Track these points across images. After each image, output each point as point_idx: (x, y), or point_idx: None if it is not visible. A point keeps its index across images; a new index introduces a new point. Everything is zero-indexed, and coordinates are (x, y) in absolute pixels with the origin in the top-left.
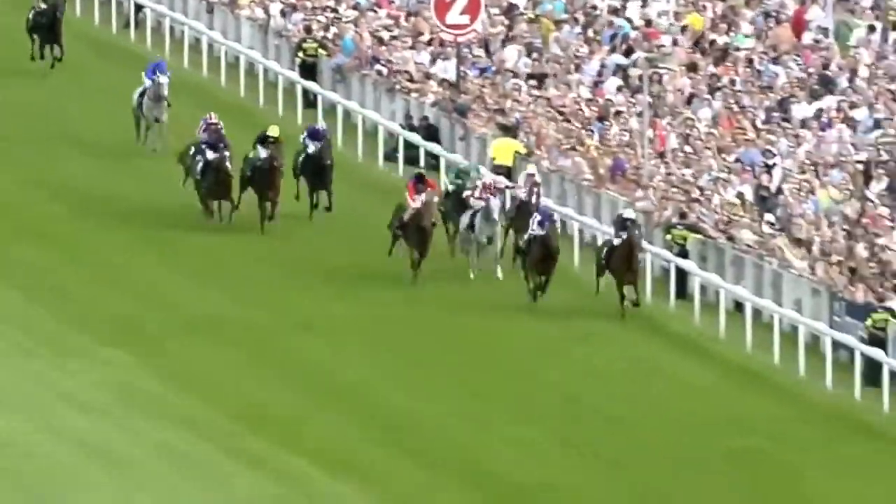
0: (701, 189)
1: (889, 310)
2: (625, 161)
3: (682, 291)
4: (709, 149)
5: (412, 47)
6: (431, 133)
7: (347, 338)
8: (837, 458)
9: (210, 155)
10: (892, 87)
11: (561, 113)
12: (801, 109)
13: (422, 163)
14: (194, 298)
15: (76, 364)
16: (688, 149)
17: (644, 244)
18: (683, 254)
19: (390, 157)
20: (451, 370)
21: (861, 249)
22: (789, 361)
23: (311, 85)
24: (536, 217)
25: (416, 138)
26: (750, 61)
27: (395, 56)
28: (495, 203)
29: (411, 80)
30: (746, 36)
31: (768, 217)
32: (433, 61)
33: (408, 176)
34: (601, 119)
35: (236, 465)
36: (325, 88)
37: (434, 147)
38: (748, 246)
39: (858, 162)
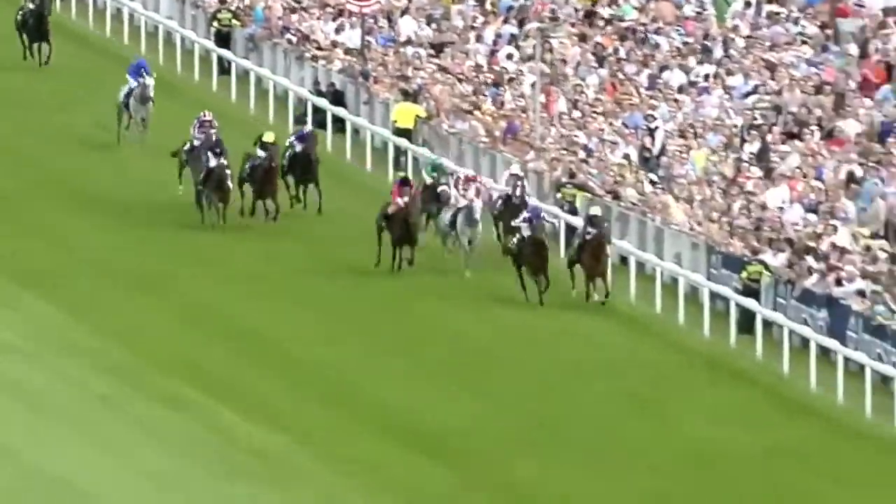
0: (589, 151)
1: (762, 262)
2: (518, 124)
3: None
4: (597, 113)
5: (319, 18)
6: (338, 98)
7: (278, 295)
8: (714, 402)
9: (212, 161)
10: (765, 55)
11: (459, 80)
12: (681, 76)
13: (329, 126)
14: (132, 256)
15: (5, 314)
16: (577, 113)
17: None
18: (573, 211)
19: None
20: (379, 329)
21: (736, 207)
22: (670, 311)
23: (225, 53)
24: (524, 215)
25: (323, 103)
26: (634, 31)
27: (304, 26)
28: (478, 205)
29: (319, 49)
30: (634, 7)
31: (651, 177)
32: (339, 31)
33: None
34: (496, 85)
35: (164, 411)
36: (239, 56)
37: (340, 111)
38: (633, 204)
39: (734, 126)
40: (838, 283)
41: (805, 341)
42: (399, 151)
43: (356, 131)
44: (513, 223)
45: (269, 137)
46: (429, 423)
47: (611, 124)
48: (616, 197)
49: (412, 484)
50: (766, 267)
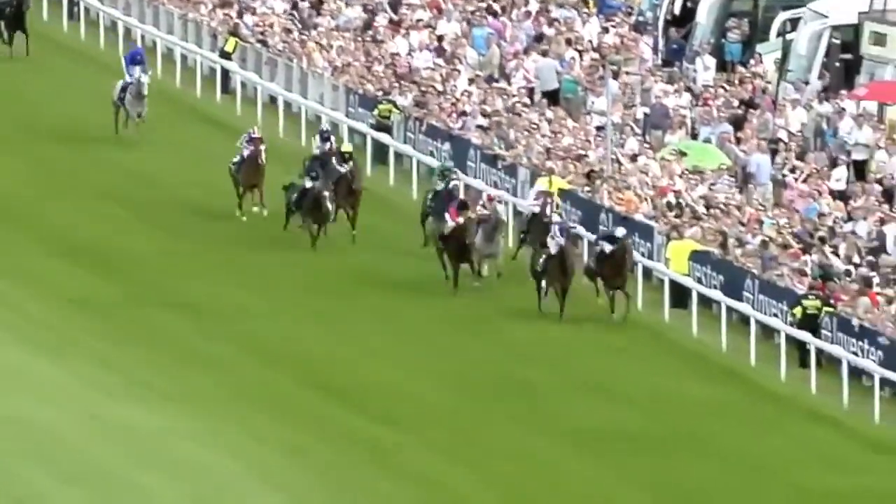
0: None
1: (392, 101)
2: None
3: (225, 87)
4: None
5: None
6: None
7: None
8: None
9: (308, 183)
10: None
11: None
12: None
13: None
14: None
15: None
16: None
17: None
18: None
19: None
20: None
21: (372, 53)
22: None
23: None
24: (553, 232)
25: None
26: None
27: None
28: (500, 222)
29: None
30: None
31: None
32: None
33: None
34: None
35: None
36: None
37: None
38: (279, 50)
39: None
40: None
41: None
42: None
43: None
44: (543, 243)
45: (347, 147)
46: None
47: None
48: (264, 43)
49: None
50: (396, 105)
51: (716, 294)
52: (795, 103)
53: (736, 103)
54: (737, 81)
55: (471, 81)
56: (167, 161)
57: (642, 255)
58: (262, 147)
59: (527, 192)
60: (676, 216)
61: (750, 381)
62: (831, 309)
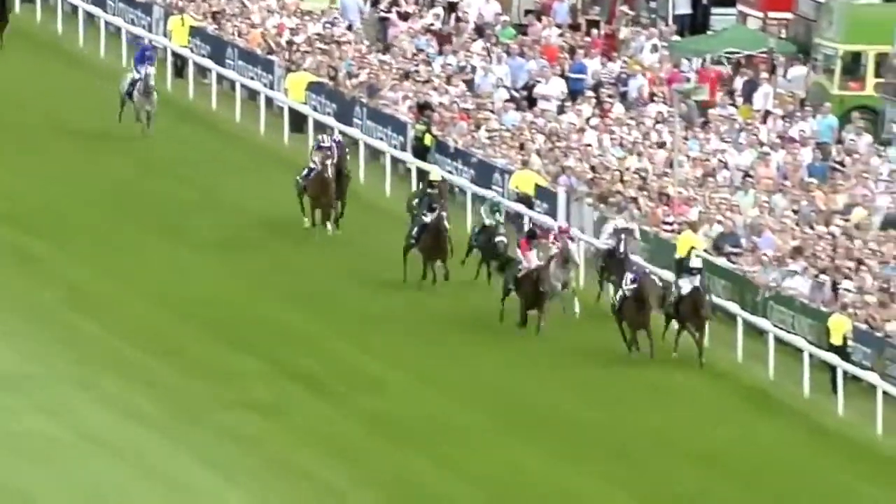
0: None
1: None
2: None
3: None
4: None
5: None
6: None
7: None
8: None
9: (428, 217)
10: None
11: None
12: None
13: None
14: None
15: None
16: None
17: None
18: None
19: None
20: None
21: None
22: None
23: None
24: (629, 276)
25: None
26: None
27: None
28: (573, 248)
29: None
30: None
31: None
32: None
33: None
34: None
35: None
36: None
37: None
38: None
39: None
40: None
41: None
42: None
43: None
44: (621, 284)
45: (435, 175)
46: None
47: None
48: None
49: None
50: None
51: (329, 120)
52: None
53: None
54: None
55: None
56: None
57: (265, 85)
58: (329, 161)
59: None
60: (295, 51)
61: None
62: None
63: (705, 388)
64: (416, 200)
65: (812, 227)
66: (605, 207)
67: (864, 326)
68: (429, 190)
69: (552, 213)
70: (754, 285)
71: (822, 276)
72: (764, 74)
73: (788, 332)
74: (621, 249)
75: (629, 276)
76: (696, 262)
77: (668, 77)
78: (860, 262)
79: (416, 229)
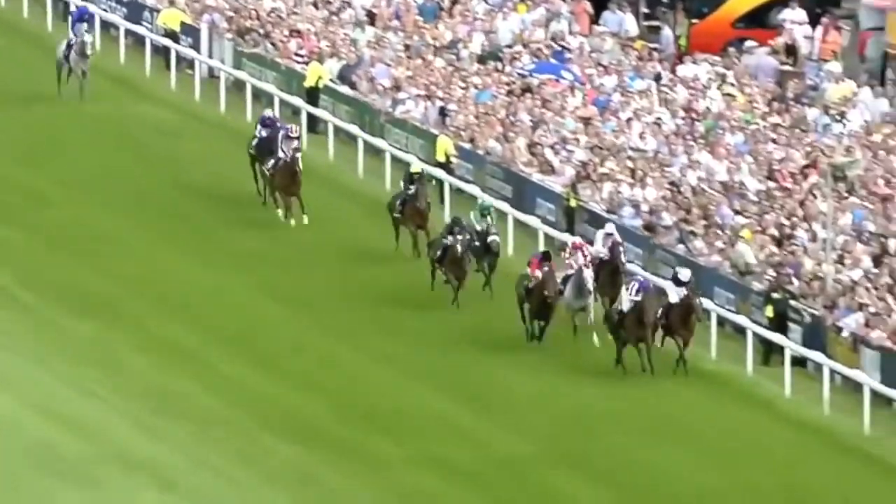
0: None
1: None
2: None
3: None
4: None
5: None
6: None
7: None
8: None
9: (449, 240)
10: None
11: None
12: None
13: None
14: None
15: None
16: None
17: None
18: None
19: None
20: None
21: None
22: None
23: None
24: (633, 286)
25: None
26: None
27: None
28: (588, 274)
29: None
30: None
31: None
32: None
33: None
34: None
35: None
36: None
37: None
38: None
39: None
40: None
41: None
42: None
43: None
44: (620, 301)
45: (415, 168)
46: None
47: None
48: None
49: None
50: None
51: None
52: None
53: None
54: None
55: None
56: None
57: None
58: (299, 153)
59: None
60: None
61: None
62: None
63: None
64: (398, 201)
65: (423, 59)
66: (243, 42)
67: (467, 146)
68: (410, 186)
69: (196, 47)
70: (373, 110)
71: (431, 102)
72: None
73: (402, 150)
74: (612, 257)
75: (635, 285)
76: (684, 275)
77: None
78: (465, 89)
79: (438, 252)
